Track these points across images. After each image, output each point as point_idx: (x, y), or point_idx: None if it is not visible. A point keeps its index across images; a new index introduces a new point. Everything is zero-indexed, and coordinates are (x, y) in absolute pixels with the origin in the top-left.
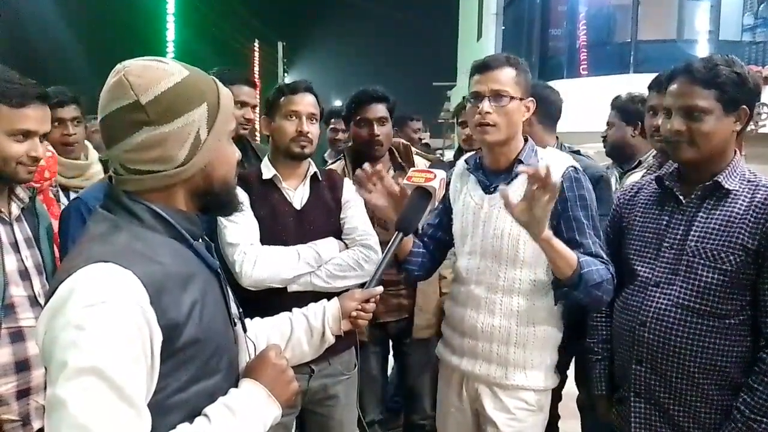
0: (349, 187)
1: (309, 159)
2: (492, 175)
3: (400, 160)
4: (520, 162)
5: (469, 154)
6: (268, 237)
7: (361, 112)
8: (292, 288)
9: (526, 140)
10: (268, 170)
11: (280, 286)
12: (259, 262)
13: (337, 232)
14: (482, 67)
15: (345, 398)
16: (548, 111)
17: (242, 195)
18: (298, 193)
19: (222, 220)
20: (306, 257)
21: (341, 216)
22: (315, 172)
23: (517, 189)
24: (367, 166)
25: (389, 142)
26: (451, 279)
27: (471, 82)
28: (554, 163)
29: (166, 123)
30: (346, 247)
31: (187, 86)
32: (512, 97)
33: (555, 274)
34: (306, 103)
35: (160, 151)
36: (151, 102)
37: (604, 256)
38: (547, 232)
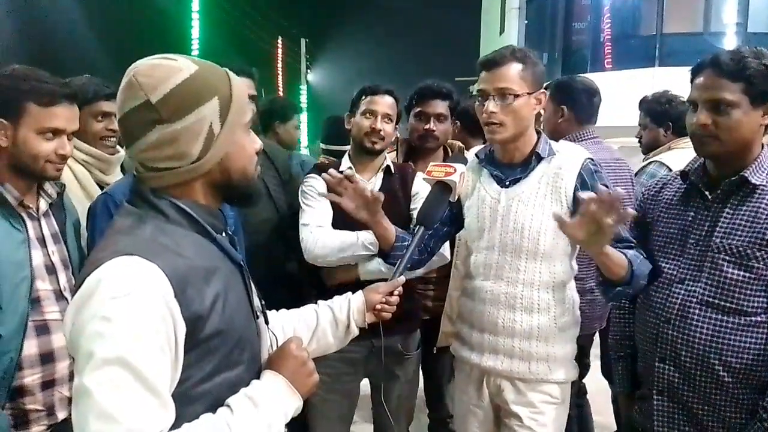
0: (420, 181)
1: (384, 154)
2: (507, 168)
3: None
4: (538, 155)
5: (478, 148)
6: (342, 221)
7: (421, 106)
8: (365, 278)
9: (538, 133)
10: (345, 162)
11: (339, 264)
12: (320, 241)
13: (405, 221)
14: (487, 64)
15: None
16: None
17: (320, 184)
18: (369, 184)
19: (302, 204)
20: (364, 240)
21: (411, 207)
22: (388, 166)
23: (533, 184)
24: (333, 171)
25: (445, 139)
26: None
27: (479, 79)
28: (570, 155)
29: (178, 120)
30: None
31: (196, 81)
32: (517, 95)
33: (607, 276)
34: (383, 103)
35: (175, 147)
36: (161, 100)
37: (633, 240)
38: (607, 246)
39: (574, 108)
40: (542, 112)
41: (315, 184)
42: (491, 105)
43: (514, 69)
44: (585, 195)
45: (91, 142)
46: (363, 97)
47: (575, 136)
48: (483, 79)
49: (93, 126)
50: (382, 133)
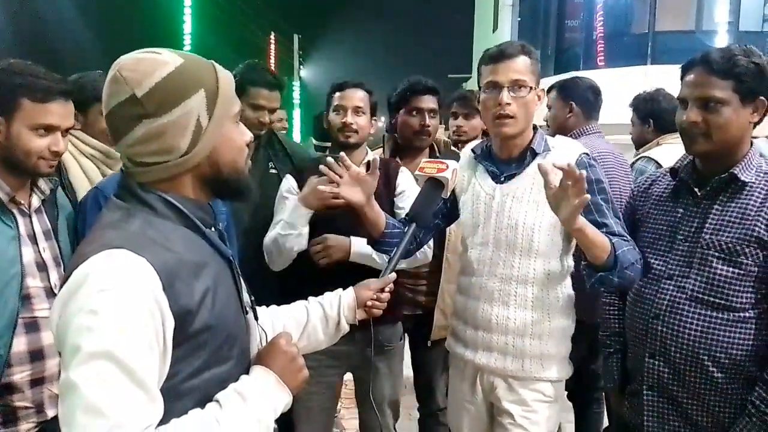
0: (405, 177)
1: (367, 148)
2: (502, 164)
3: (438, 156)
4: (533, 150)
5: (475, 143)
6: (323, 217)
7: (413, 102)
8: (353, 260)
9: (534, 128)
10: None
11: (289, 258)
12: (265, 246)
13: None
14: (499, 56)
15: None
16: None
17: (288, 184)
18: None
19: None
20: (281, 231)
21: (399, 206)
22: (369, 161)
23: (527, 180)
24: (330, 159)
25: (435, 135)
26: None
27: (485, 72)
28: (566, 150)
29: (164, 114)
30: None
31: (181, 74)
32: (531, 87)
33: (589, 260)
34: (352, 97)
35: (162, 142)
36: (146, 94)
37: (627, 236)
38: (580, 221)
39: (582, 104)
40: (547, 109)
41: (283, 186)
42: (506, 95)
43: (525, 62)
44: (559, 164)
45: (99, 137)
46: (333, 94)
47: (582, 130)
48: (493, 71)
49: (102, 122)
50: (354, 126)
